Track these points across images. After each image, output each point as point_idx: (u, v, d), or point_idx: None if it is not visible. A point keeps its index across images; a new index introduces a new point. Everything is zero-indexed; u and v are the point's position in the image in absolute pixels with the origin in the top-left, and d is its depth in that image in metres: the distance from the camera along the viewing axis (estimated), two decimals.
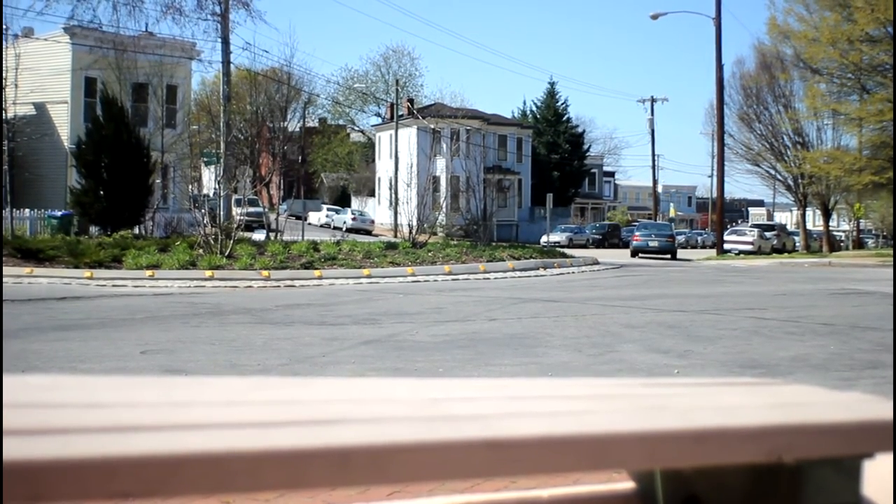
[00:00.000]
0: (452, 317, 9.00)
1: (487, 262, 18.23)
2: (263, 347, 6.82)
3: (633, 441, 1.03)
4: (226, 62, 22.75)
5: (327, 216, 51.38)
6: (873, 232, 77.41)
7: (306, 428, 0.95)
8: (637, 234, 37.55)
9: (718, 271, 21.30)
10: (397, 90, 54.71)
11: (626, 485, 1.38)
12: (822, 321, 8.89)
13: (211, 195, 24.83)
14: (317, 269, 15.64)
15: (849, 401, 1.44)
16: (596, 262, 22.65)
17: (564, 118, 63.70)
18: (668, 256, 34.93)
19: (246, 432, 0.91)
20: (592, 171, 70.34)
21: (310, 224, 37.33)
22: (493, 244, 23.95)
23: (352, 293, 12.08)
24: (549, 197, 36.38)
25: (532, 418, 1.10)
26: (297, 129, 55.84)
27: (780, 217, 79.59)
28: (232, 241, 16.63)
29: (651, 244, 35.68)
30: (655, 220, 56.15)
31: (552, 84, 63.80)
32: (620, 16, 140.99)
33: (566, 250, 28.51)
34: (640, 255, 34.94)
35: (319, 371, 5.89)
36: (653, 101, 60.35)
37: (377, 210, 55.34)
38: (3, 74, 22.66)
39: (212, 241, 16.54)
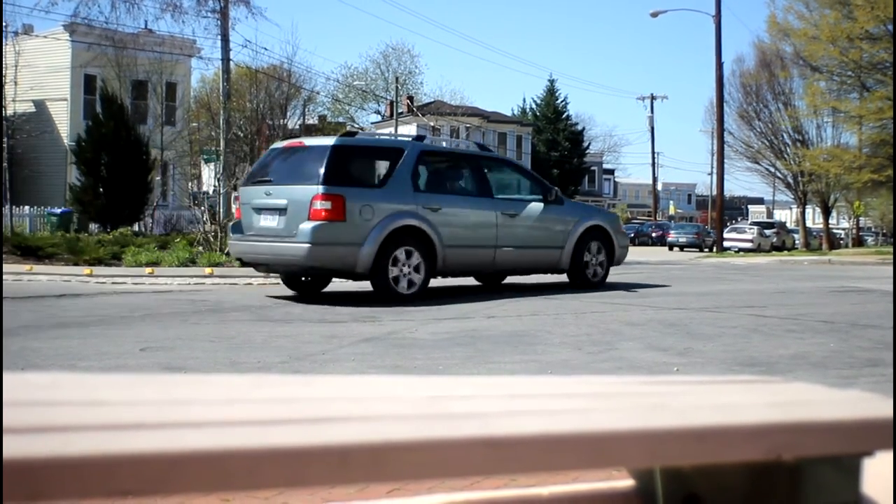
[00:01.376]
0: (452, 314, 9.00)
1: None
2: (263, 345, 6.82)
3: (632, 439, 1.03)
4: (225, 59, 22.74)
5: None
6: (873, 230, 77.43)
7: (306, 426, 0.95)
8: (672, 232, 50.68)
9: (718, 269, 21.30)
10: (397, 88, 54.70)
11: (626, 483, 1.38)
12: (822, 319, 8.89)
13: (210, 192, 24.84)
14: None
15: (848, 399, 1.44)
16: None
17: (564, 116, 63.69)
18: (697, 249, 44.99)
19: (245, 430, 0.91)
20: (592, 168, 70.36)
21: None
22: None
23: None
24: None
25: (532, 416, 1.10)
26: (297, 127, 55.82)
27: (780, 215, 79.61)
28: None
29: (681, 239, 48.33)
30: (655, 219, 59.50)
31: (552, 81, 63.81)
32: (620, 13, 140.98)
33: None
34: (674, 248, 47.27)
35: (319, 369, 5.90)
36: (652, 98, 60.37)
37: None
38: (3, 72, 22.64)
39: (211, 239, 16.54)
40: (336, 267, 10.13)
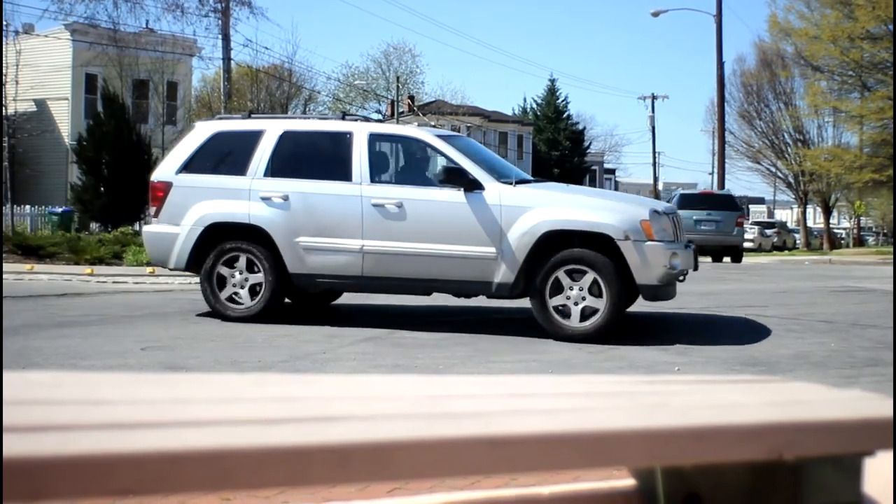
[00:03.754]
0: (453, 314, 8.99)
1: None
2: (264, 344, 6.82)
3: (633, 439, 1.03)
4: (226, 59, 22.75)
5: None
6: (874, 229, 77.38)
7: (307, 425, 0.95)
8: None
9: (719, 269, 21.27)
10: (398, 87, 54.68)
11: (626, 482, 1.38)
12: (823, 318, 8.88)
13: None
14: None
15: (849, 398, 1.44)
16: None
17: (565, 115, 63.61)
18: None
19: (247, 429, 0.91)
20: (593, 168, 70.24)
21: None
22: None
23: None
24: None
25: (532, 415, 1.10)
26: None
27: (781, 214, 79.50)
28: None
29: None
30: None
31: (552, 81, 63.68)
32: (621, 13, 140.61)
33: None
34: None
35: (320, 368, 5.90)
36: (653, 98, 60.33)
37: None
38: (4, 70, 22.64)
39: None
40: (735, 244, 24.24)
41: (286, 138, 7.98)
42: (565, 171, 61.27)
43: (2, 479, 0.72)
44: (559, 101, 63.30)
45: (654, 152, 61.59)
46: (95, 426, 0.86)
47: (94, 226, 22.65)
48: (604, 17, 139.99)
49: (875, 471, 1.24)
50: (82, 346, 6.57)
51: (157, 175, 8.31)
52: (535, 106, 63.85)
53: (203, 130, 8.37)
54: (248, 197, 7.77)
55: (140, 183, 21.98)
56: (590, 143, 67.76)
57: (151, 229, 8.35)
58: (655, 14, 38.73)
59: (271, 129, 8.01)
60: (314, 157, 8.06)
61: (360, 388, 1.34)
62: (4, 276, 12.02)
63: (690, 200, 24.15)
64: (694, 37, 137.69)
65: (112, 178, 21.59)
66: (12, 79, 25.94)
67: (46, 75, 30.38)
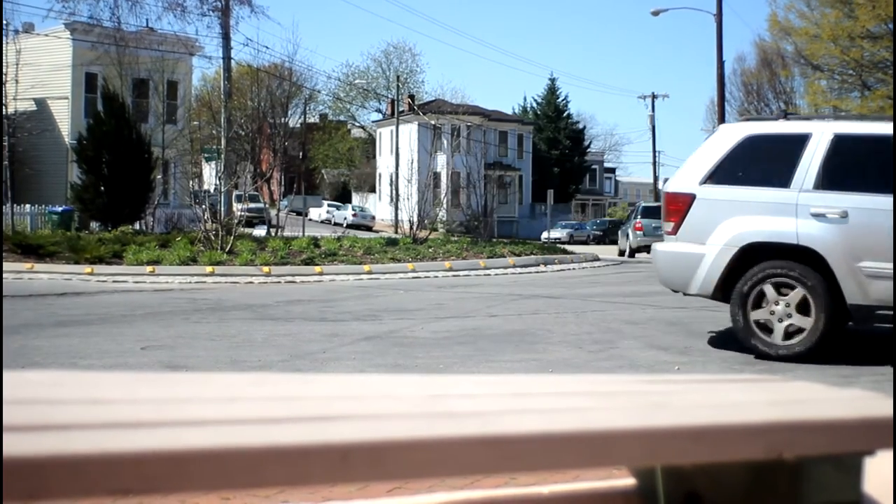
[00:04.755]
0: (453, 313, 9.00)
1: (488, 258, 18.24)
2: (264, 343, 6.83)
3: (633, 438, 1.03)
4: (227, 58, 22.75)
5: (328, 212, 51.37)
6: None
7: (307, 424, 0.95)
8: None
9: None
10: (398, 86, 54.69)
11: (626, 481, 1.38)
12: None
13: (211, 191, 24.84)
14: (317, 265, 15.64)
15: (849, 397, 1.44)
16: (597, 259, 22.65)
17: (565, 114, 63.63)
18: None
19: (246, 429, 0.91)
20: (593, 167, 70.29)
21: (310, 220, 37.29)
22: (494, 240, 23.95)
23: (352, 289, 12.09)
24: (550, 193, 36.46)
25: (532, 415, 1.10)
26: (298, 125, 55.88)
27: None
28: (232, 237, 16.64)
29: None
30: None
31: (553, 80, 63.73)
32: (621, 12, 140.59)
33: (567, 246, 28.50)
34: None
35: (320, 367, 5.90)
36: (653, 97, 60.28)
37: (378, 206, 55.34)
38: (4, 70, 22.64)
39: (212, 237, 16.55)
40: None
41: (839, 143, 6.81)
42: (565, 171, 61.34)
43: (2, 479, 0.72)
44: (559, 100, 63.33)
45: (654, 151, 61.55)
46: (95, 426, 0.86)
47: (94, 225, 22.65)
48: (604, 16, 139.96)
49: (875, 470, 1.24)
50: (82, 346, 6.57)
51: (676, 186, 7.21)
52: (535, 105, 63.87)
53: (730, 134, 7.25)
54: (795, 213, 6.64)
55: (140, 182, 22.05)
56: (590, 143, 67.80)
57: (668, 248, 7.16)
58: (656, 13, 38.68)
59: (819, 133, 6.87)
60: (877, 166, 6.85)
61: (360, 387, 1.34)
62: (4, 275, 12.02)
63: (652, 211, 24.93)
64: (694, 36, 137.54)
65: (112, 177, 21.59)
66: (12, 78, 25.96)
67: (46, 74, 30.38)
